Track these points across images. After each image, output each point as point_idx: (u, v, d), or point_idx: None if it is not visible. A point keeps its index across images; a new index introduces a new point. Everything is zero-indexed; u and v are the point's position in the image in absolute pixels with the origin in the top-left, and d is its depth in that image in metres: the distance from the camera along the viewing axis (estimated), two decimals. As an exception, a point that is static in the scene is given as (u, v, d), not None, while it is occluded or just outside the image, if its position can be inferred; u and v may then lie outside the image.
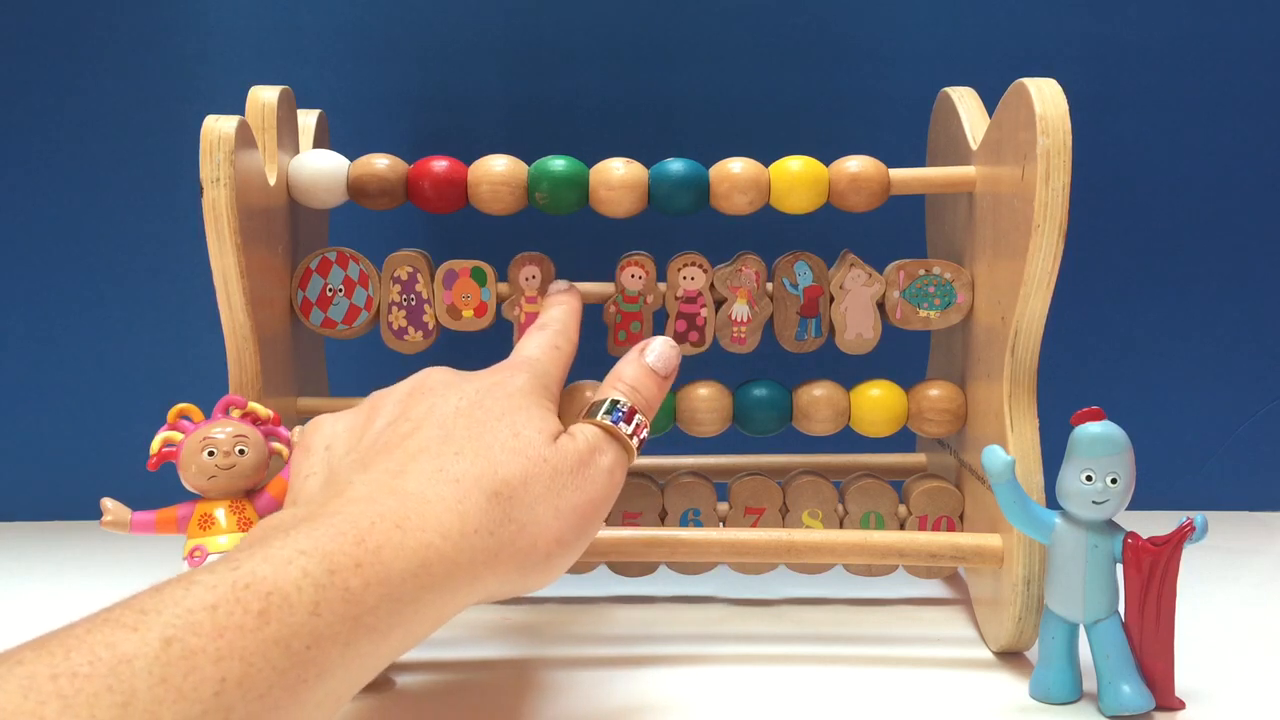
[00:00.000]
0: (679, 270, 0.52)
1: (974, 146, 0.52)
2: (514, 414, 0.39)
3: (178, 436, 0.44)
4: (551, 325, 0.47)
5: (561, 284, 0.51)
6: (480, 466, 0.36)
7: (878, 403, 0.52)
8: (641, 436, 0.41)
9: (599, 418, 0.41)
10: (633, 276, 0.52)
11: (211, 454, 0.44)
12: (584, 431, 0.40)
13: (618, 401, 0.41)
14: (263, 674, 0.28)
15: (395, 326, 0.53)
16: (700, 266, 0.52)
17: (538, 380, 0.42)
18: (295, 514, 0.34)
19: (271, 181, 0.51)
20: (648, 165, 0.51)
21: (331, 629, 0.30)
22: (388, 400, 0.41)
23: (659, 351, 0.44)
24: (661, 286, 0.52)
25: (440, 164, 0.52)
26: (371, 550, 0.32)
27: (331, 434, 0.41)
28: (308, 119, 0.57)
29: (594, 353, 0.51)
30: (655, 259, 0.52)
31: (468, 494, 0.35)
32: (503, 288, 0.53)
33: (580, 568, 0.53)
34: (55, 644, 0.26)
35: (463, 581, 0.34)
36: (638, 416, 0.41)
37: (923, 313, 0.52)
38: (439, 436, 0.37)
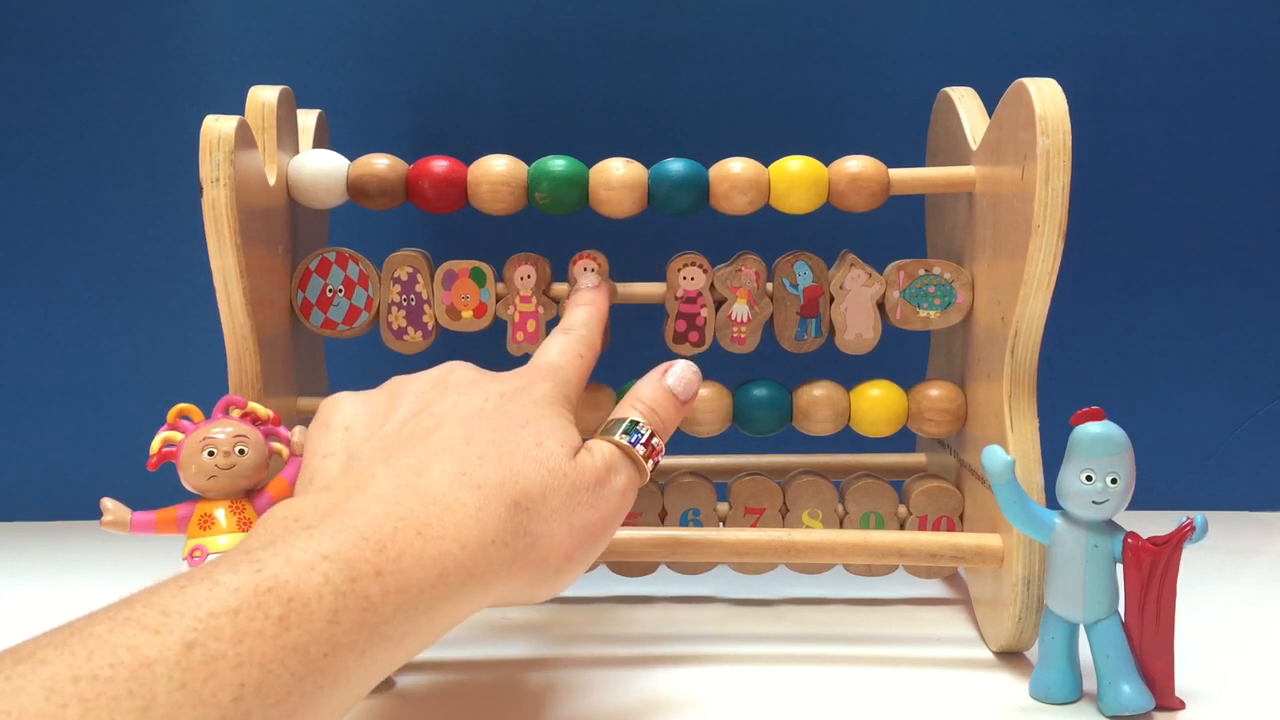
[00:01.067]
0: (679, 270, 0.52)
1: (974, 146, 0.52)
2: (537, 422, 0.39)
3: (178, 436, 0.44)
4: (575, 330, 0.46)
5: (591, 279, 0.51)
6: (502, 474, 0.36)
7: (878, 403, 0.52)
8: (656, 460, 0.41)
9: (617, 436, 0.41)
10: (584, 269, 0.52)
11: (211, 454, 0.44)
12: (601, 449, 0.40)
13: (637, 423, 0.41)
14: (281, 680, 0.28)
15: (395, 327, 0.53)
16: (700, 266, 0.52)
17: (560, 390, 0.42)
18: (317, 504, 0.34)
19: (271, 181, 0.51)
20: (648, 165, 0.51)
21: (349, 637, 0.30)
22: (409, 388, 0.41)
23: (679, 375, 0.44)
24: (660, 286, 0.52)
25: (440, 164, 0.52)
26: (392, 559, 0.32)
27: (352, 415, 0.40)
28: (308, 119, 0.57)
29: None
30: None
31: (488, 502, 0.35)
32: (501, 288, 0.53)
33: (580, 568, 0.53)
34: (77, 643, 0.26)
35: (475, 590, 0.34)
36: (654, 440, 0.41)
37: (923, 313, 0.52)
38: (462, 436, 0.37)
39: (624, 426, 0.41)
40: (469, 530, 0.34)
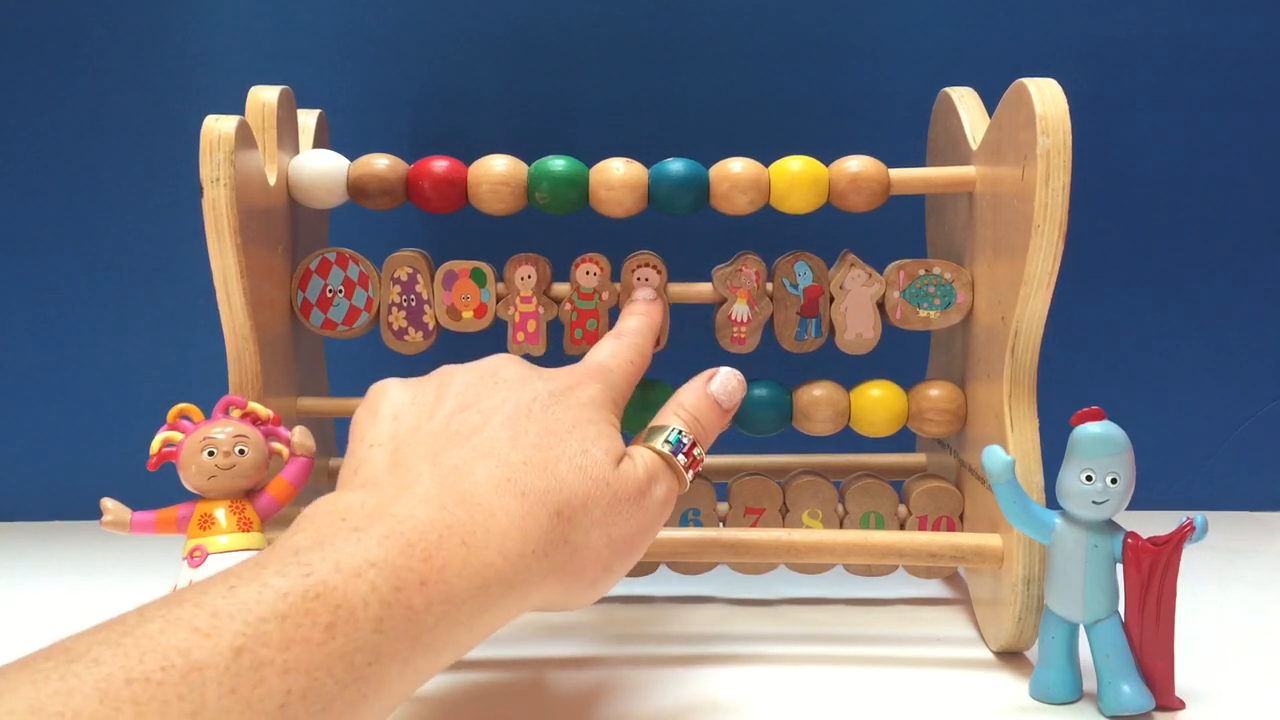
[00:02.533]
0: (633, 271, 0.52)
1: (974, 146, 0.52)
2: (584, 427, 0.38)
3: (178, 436, 0.44)
4: (628, 336, 0.46)
5: (648, 293, 0.51)
6: (546, 481, 0.36)
7: (878, 403, 0.52)
8: (697, 470, 0.41)
9: (659, 445, 0.40)
10: (587, 273, 0.52)
11: (211, 454, 0.44)
12: (643, 457, 0.40)
13: (680, 432, 0.41)
14: (326, 688, 0.28)
15: (395, 327, 0.53)
16: (654, 268, 0.52)
17: (607, 394, 0.41)
18: (363, 503, 0.34)
19: (271, 181, 0.51)
20: (648, 165, 0.51)
21: (392, 646, 0.30)
22: (458, 380, 0.40)
23: (723, 382, 0.44)
24: (618, 285, 0.52)
25: (440, 164, 0.52)
26: (437, 568, 0.32)
27: (399, 403, 0.40)
28: (308, 119, 0.57)
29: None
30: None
31: (532, 510, 0.35)
32: (502, 288, 0.53)
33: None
34: (130, 643, 0.26)
35: (514, 600, 0.34)
36: (696, 450, 0.41)
37: (923, 313, 0.52)
38: (508, 437, 0.37)
39: (666, 434, 0.41)
40: (511, 540, 0.34)
